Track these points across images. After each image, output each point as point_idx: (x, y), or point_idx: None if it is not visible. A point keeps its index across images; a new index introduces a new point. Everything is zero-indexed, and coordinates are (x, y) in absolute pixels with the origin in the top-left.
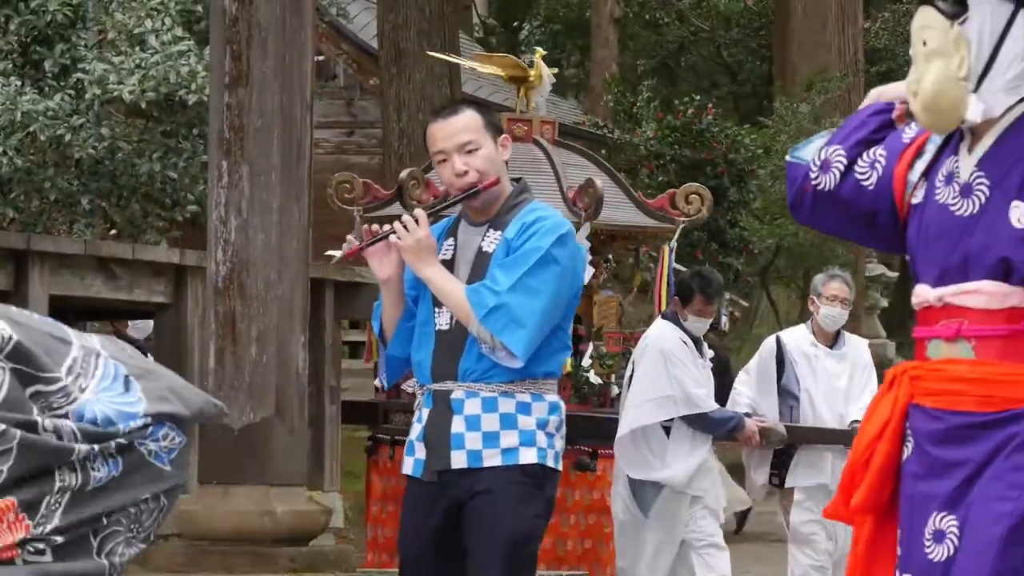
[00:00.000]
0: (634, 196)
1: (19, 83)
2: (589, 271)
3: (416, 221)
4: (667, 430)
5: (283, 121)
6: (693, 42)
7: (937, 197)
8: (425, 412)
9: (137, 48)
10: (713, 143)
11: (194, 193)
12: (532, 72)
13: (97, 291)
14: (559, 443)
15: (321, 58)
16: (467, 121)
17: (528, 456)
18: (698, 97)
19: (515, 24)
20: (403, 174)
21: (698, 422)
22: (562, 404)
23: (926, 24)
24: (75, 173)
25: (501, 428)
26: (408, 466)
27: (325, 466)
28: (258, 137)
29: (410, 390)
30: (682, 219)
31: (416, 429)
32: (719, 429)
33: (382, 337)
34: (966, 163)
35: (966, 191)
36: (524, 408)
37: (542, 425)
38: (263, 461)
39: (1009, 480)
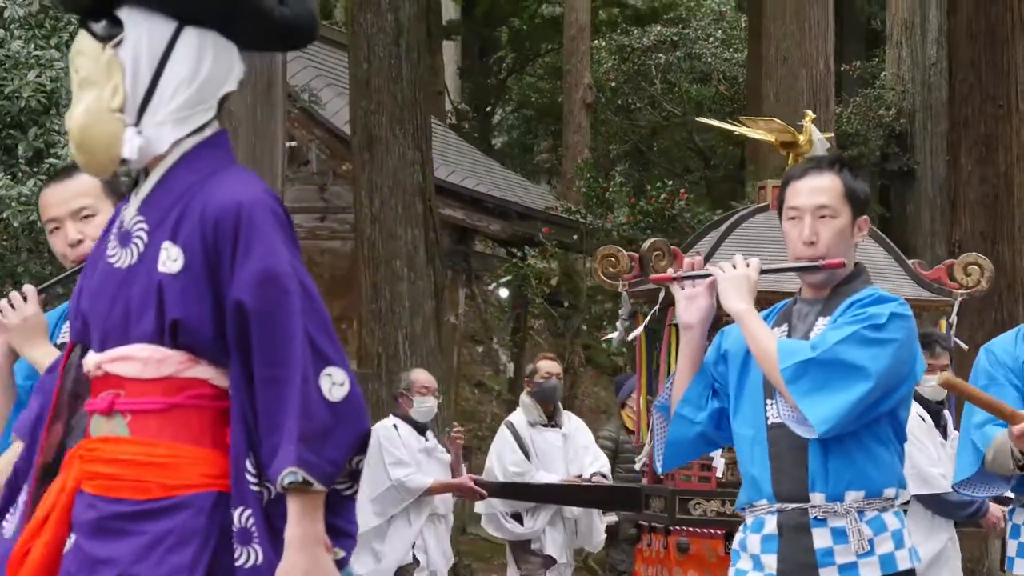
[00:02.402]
0: (909, 267)
1: None
2: None
3: (24, 298)
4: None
5: None
6: (665, 127)
7: (107, 248)
8: None
9: None
10: (685, 228)
11: None
12: (802, 137)
13: None
14: None
15: (293, 144)
16: (85, 185)
17: None
18: (670, 182)
19: (487, 109)
20: (645, 245)
21: (933, 503)
22: None
23: (79, 50)
24: (48, 258)
25: None
26: None
27: None
28: None
29: None
30: (960, 291)
31: None
32: (958, 513)
33: None
34: (131, 207)
35: (125, 239)
36: None
37: None
38: None
39: None
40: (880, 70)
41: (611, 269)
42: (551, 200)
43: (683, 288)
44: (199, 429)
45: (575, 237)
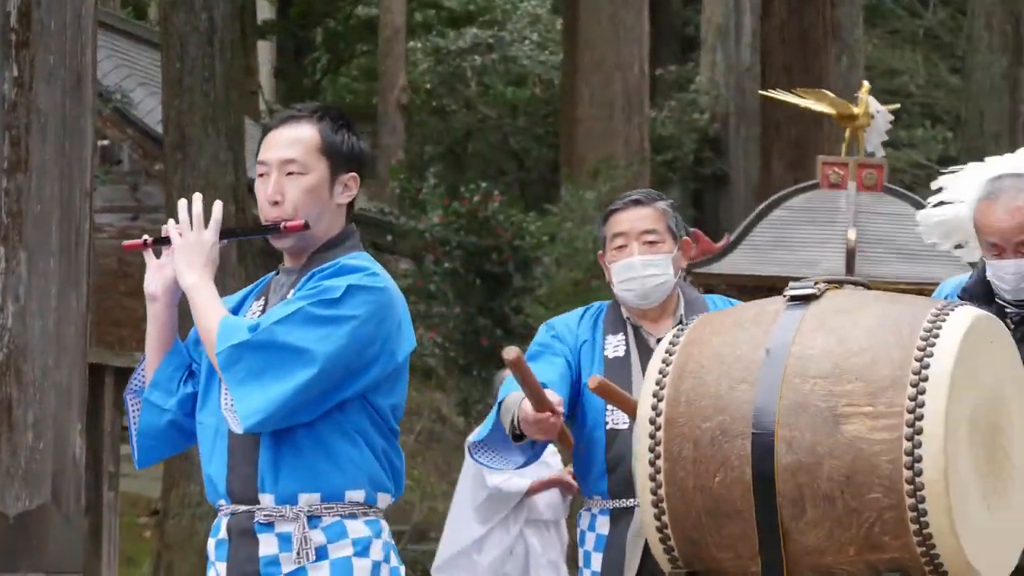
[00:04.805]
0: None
1: None
2: None
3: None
4: None
5: (62, 207)
6: (480, 130)
7: None
8: None
9: None
10: (499, 230)
11: None
12: (857, 108)
13: None
14: None
15: (106, 143)
16: None
17: None
18: (484, 184)
19: None
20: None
21: None
22: None
23: None
24: None
25: None
26: None
27: (103, 553)
28: (37, 223)
29: None
30: None
31: None
32: None
33: None
34: None
35: None
36: None
37: None
38: (39, 549)
39: None
40: (694, 75)
41: None
42: (364, 201)
43: (158, 256)
44: None
45: (388, 238)
